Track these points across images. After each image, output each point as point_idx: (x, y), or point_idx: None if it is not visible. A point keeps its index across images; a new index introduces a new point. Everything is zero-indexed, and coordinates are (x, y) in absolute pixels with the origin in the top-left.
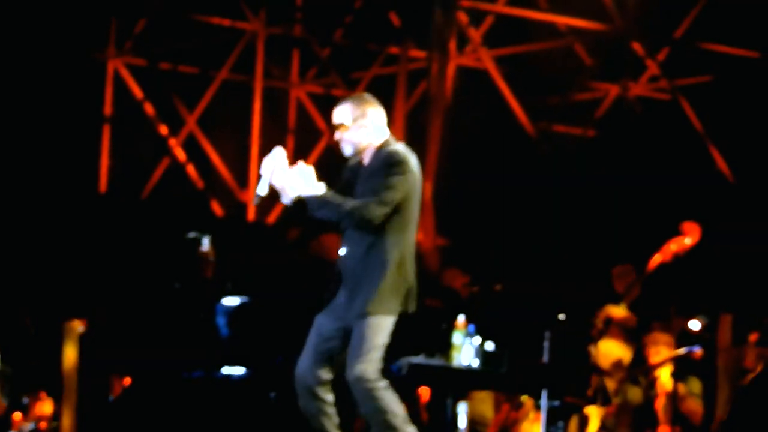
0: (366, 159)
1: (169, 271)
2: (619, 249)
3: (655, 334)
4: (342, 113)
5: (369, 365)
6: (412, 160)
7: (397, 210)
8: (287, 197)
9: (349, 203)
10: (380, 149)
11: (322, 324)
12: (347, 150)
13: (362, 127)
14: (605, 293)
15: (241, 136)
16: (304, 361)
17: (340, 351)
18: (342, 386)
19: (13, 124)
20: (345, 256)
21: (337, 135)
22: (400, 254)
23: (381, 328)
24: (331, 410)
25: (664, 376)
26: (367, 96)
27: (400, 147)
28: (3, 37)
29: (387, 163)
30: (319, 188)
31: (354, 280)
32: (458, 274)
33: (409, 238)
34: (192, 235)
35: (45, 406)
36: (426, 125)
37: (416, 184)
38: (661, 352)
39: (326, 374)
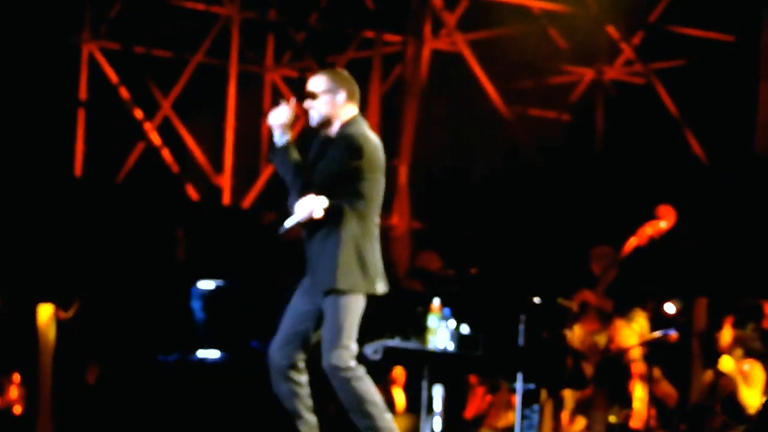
0: (332, 132)
1: (144, 254)
2: (594, 233)
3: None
4: (316, 83)
5: (343, 352)
6: (372, 144)
7: (355, 193)
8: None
9: (299, 183)
10: (344, 126)
11: (295, 306)
12: (313, 119)
13: (332, 100)
14: (581, 277)
15: (216, 120)
16: (277, 343)
17: (312, 333)
18: (317, 369)
19: None
20: (306, 238)
21: (307, 103)
22: (360, 232)
23: (348, 308)
24: (304, 392)
25: (637, 359)
26: (344, 72)
27: (362, 129)
28: None
29: (343, 148)
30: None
31: (315, 260)
32: (434, 257)
33: (369, 221)
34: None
35: (19, 390)
36: (401, 109)
37: (375, 167)
38: (632, 334)
39: (299, 356)
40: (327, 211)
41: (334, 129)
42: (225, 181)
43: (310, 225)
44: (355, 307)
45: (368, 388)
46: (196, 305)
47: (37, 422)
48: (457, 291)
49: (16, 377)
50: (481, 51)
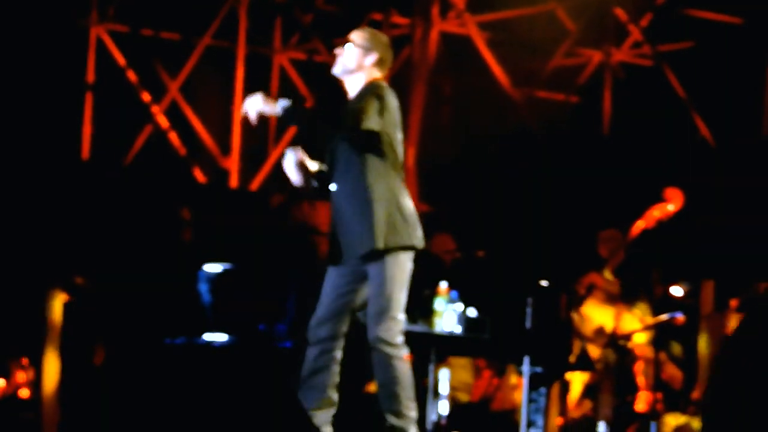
0: (350, 91)
1: (152, 237)
2: (601, 215)
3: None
4: (355, 35)
5: (392, 324)
6: (394, 98)
7: (376, 147)
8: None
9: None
10: (368, 85)
11: (331, 279)
12: (337, 68)
13: (361, 57)
14: (588, 259)
15: (224, 102)
16: (318, 318)
17: (354, 303)
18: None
19: None
20: (335, 193)
21: (338, 50)
22: (392, 184)
23: (394, 271)
24: (336, 369)
25: (644, 342)
26: (384, 38)
27: (386, 86)
28: None
29: (368, 92)
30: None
31: (345, 224)
32: (448, 239)
33: (397, 172)
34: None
35: (26, 374)
36: (409, 91)
37: (395, 120)
38: (637, 319)
39: (342, 330)
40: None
41: (354, 87)
42: (233, 164)
43: (337, 178)
44: (401, 268)
45: (407, 371)
46: (203, 288)
47: (44, 406)
48: (465, 274)
49: (24, 361)
50: (489, 33)
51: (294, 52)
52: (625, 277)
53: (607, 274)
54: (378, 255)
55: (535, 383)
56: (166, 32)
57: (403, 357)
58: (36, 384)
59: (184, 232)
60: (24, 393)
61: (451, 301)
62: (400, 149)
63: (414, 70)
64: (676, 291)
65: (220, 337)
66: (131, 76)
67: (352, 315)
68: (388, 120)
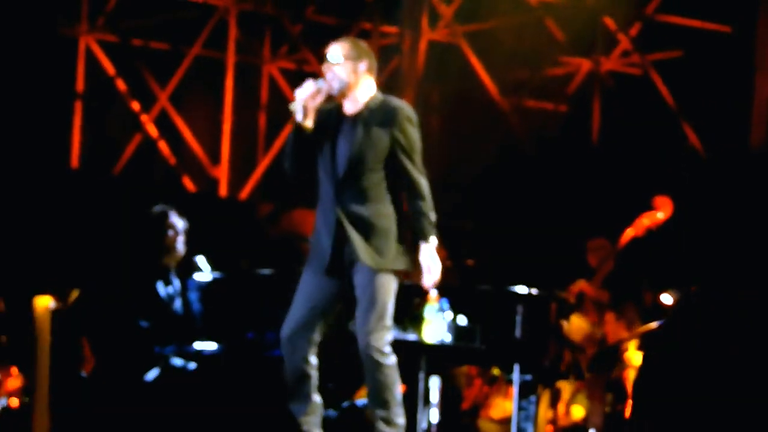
0: (351, 106)
1: (140, 246)
2: (591, 224)
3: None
4: (338, 50)
5: (386, 333)
6: None
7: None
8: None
9: (424, 205)
10: (377, 100)
11: (309, 286)
12: (333, 87)
13: (354, 68)
14: (577, 268)
15: (214, 112)
16: (291, 325)
17: (330, 312)
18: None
19: None
20: (348, 204)
21: (326, 68)
22: (402, 209)
23: (392, 288)
24: (315, 374)
25: (632, 350)
26: (365, 45)
27: (404, 102)
28: None
29: (410, 122)
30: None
31: (356, 237)
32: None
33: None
34: (159, 208)
35: (16, 382)
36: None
37: None
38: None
39: (316, 337)
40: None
41: (356, 100)
42: (222, 173)
43: (350, 192)
44: (394, 286)
45: (397, 378)
46: (193, 297)
47: (34, 414)
48: (454, 282)
49: (14, 370)
50: (477, 42)
51: (283, 62)
52: (614, 285)
53: (596, 283)
54: (384, 272)
55: (525, 391)
56: (156, 42)
57: (394, 363)
58: (25, 393)
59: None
60: (13, 402)
61: (441, 309)
62: None
63: (403, 79)
64: (666, 299)
65: (210, 346)
66: (121, 85)
67: (326, 324)
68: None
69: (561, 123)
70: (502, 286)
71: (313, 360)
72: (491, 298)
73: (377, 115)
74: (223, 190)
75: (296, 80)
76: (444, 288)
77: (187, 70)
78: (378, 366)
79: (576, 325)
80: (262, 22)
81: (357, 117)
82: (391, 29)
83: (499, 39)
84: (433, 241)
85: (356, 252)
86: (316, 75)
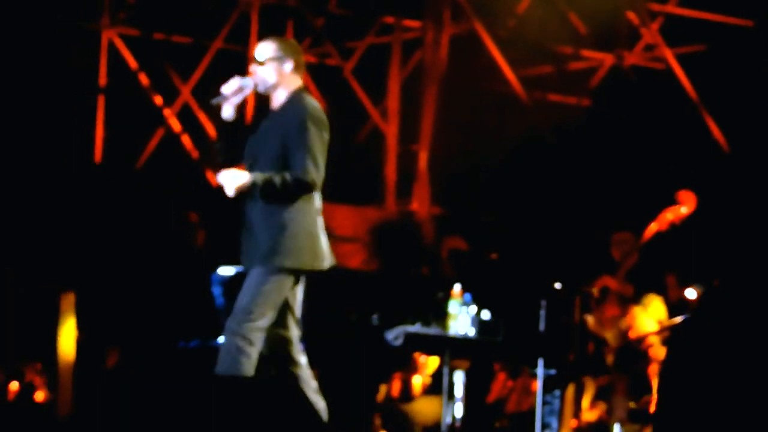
0: (275, 103)
1: (164, 241)
2: (614, 218)
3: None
4: (264, 49)
5: (251, 321)
6: (322, 112)
7: (316, 164)
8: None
9: (287, 177)
10: (295, 97)
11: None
12: (259, 86)
13: (279, 68)
14: (601, 262)
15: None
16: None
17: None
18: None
19: (8, 95)
20: (250, 206)
21: (253, 68)
22: (311, 206)
23: (275, 285)
24: (306, 374)
25: (657, 345)
26: (292, 42)
27: (315, 102)
28: None
29: (312, 121)
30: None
31: (258, 229)
32: (461, 242)
33: (317, 194)
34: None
35: (40, 377)
36: (421, 94)
37: (327, 140)
38: (649, 320)
39: (291, 332)
40: (262, 187)
41: (279, 99)
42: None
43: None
44: (283, 284)
45: (248, 372)
46: (216, 291)
47: (58, 408)
48: (478, 276)
49: (38, 365)
50: (499, 36)
51: (306, 56)
52: (638, 279)
53: (620, 277)
54: (277, 269)
55: (549, 386)
56: (178, 35)
57: (252, 353)
58: (50, 387)
59: (196, 236)
60: (39, 396)
61: (465, 303)
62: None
63: (425, 73)
64: (691, 294)
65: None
66: (143, 79)
67: (292, 318)
68: (325, 143)
69: (584, 117)
70: (526, 279)
71: (300, 359)
72: (515, 291)
73: (288, 113)
74: None
75: (319, 74)
76: (468, 282)
77: (209, 64)
78: (234, 350)
79: (600, 320)
80: (284, 16)
81: (275, 114)
82: (414, 23)
83: (522, 33)
84: (254, 181)
85: (247, 251)
86: (339, 69)
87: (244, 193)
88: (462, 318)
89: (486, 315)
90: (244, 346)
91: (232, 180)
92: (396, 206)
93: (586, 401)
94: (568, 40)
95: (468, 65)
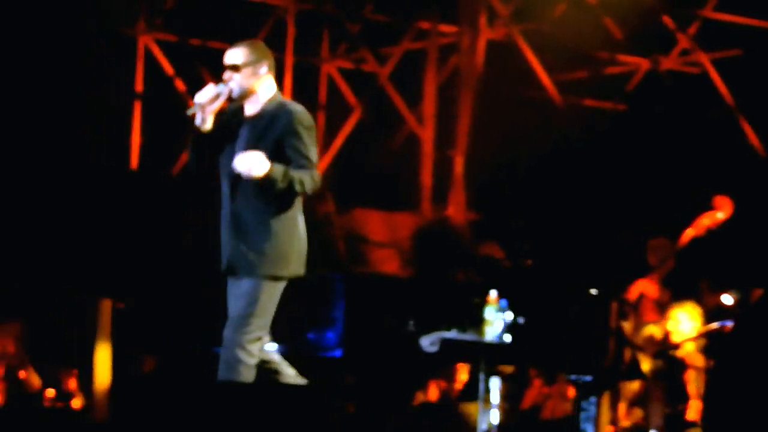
0: (251, 108)
1: (200, 246)
2: (651, 224)
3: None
4: (236, 55)
5: (250, 333)
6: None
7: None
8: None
9: (304, 174)
10: (278, 103)
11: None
12: (234, 91)
13: (254, 72)
14: (638, 268)
15: None
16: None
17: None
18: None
19: (46, 102)
20: (239, 205)
21: (227, 75)
22: (297, 212)
23: (271, 293)
24: (286, 368)
25: (694, 351)
26: (263, 45)
27: (299, 105)
28: (34, 15)
29: (303, 125)
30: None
31: (245, 232)
32: (496, 248)
33: (301, 200)
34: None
35: (77, 383)
36: (457, 99)
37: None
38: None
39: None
40: (270, 174)
41: (255, 104)
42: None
43: (243, 191)
44: (276, 293)
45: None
46: None
47: (95, 415)
48: (514, 282)
49: (75, 371)
50: (535, 41)
51: (342, 61)
52: (674, 285)
53: (656, 283)
54: (262, 275)
55: (585, 392)
56: (214, 41)
57: (250, 364)
58: (87, 393)
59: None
60: (76, 403)
61: (501, 309)
62: None
63: (461, 78)
64: (727, 299)
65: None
66: (179, 85)
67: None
68: (316, 145)
69: (620, 122)
70: (562, 285)
71: (273, 357)
72: (551, 298)
73: (272, 118)
74: None
75: (355, 80)
76: (503, 288)
77: None
78: (232, 361)
79: (636, 326)
80: (321, 22)
81: (254, 119)
82: (450, 28)
83: (557, 38)
84: (272, 171)
85: (237, 258)
86: (375, 75)
87: (243, 188)
88: (498, 324)
89: (522, 321)
90: (245, 357)
91: (253, 163)
92: (432, 212)
93: (622, 408)
94: (603, 44)
95: (504, 70)
